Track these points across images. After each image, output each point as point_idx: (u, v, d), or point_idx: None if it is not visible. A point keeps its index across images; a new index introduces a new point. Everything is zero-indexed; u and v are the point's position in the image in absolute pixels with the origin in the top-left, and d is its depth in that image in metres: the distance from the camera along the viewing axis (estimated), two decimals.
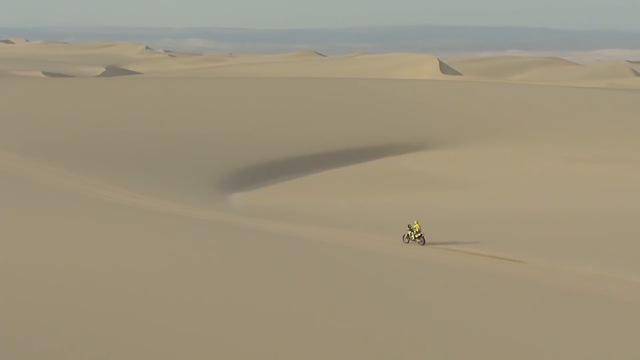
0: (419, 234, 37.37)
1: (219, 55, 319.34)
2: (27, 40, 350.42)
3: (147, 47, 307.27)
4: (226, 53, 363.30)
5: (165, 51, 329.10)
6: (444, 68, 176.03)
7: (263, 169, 71.91)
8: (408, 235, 37.68)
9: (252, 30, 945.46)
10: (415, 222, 37.56)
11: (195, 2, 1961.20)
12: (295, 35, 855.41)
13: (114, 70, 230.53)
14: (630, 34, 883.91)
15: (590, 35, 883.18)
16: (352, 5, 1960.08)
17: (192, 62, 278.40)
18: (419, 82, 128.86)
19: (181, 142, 72.80)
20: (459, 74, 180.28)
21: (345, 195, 65.48)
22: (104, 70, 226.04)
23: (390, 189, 68.30)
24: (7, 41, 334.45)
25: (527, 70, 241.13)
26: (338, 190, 67.61)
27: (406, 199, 63.03)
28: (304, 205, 59.71)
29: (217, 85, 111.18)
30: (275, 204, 59.95)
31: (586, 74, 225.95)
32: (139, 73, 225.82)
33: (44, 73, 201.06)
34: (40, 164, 58.78)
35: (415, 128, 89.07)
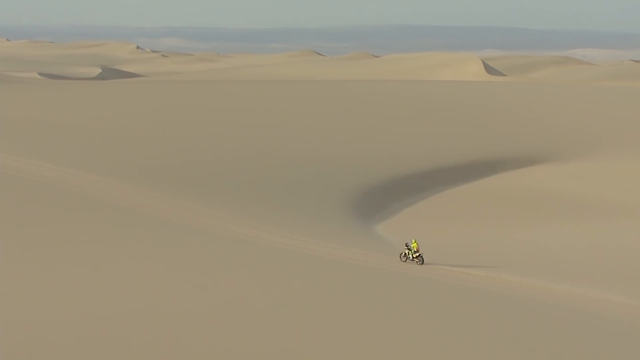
0: (418, 254, 36.29)
1: (209, 55, 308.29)
2: (8, 40, 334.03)
3: (138, 47, 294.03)
4: (212, 52, 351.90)
5: (152, 51, 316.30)
6: (488, 68, 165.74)
7: (382, 190, 61.39)
8: (406, 254, 36.49)
9: (225, 30, 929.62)
10: (414, 241, 36.53)
11: (166, 0, 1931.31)
12: (270, 34, 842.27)
13: (111, 72, 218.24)
14: (601, 34, 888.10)
15: (563, 35, 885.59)
16: (326, 5, 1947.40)
17: (186, 63, 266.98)
18: (503, 85, 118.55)
19: (289, 163, 61.82)
20: (503, 74, 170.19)
21: (493, 224, 55.42)
22: (100, 71, 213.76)
23: (538, 216, 58.19)
24: None
25: (540, 69, 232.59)
26: (483, 217, 57.67)
27: (570, 233, 52.76)
28: (466, 240, 49.35)
29: (297, 95, 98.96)
30: (434, 238, 49.40)
31: (605, 74, 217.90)
32: (140, 75, 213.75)
33: (40, 74, 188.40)
34: (149, 192, 47.59)
35: (522, 138, 79.08)
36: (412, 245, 36.41)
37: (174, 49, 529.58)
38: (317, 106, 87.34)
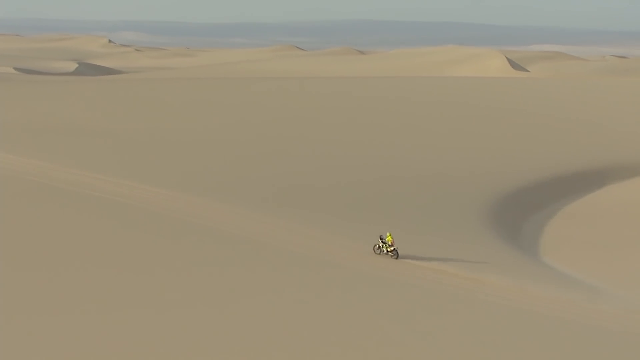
0: (392, 248, 34.90)
1: (182, 50, 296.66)
2: None
3: (110, 41, 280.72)
4: (180, 47, 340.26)
5: (123, 45, 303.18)
6: (512, 63, 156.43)
7: (500, 208, 51.75)
8: (379, 246, 35.17)
9: (185, 24, 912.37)
10: (388, 234, 35.05)
11: None
12: (232, 29, 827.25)
13: (87, 67, 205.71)
14: (559, 31, 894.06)
15: (522, 31, 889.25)
16: (287, 0, 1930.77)
17: (161, 57, 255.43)
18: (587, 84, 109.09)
19: (395, 182, 52.09)
20: (527, 70, 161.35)
21: None
22: (77, 65, 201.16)
23: None
24: None
25: (533, 64, 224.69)
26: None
27: None
28: None
29: (375, 104, 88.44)
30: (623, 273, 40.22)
31: (604, 69, 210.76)
32: (118, 70, 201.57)
33: (16, 69, 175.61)
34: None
35: (621, 145, 70.25)
36: (386, 239, 34.84)
37: (136, 42, 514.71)
38: (404, 118, 77.97)
